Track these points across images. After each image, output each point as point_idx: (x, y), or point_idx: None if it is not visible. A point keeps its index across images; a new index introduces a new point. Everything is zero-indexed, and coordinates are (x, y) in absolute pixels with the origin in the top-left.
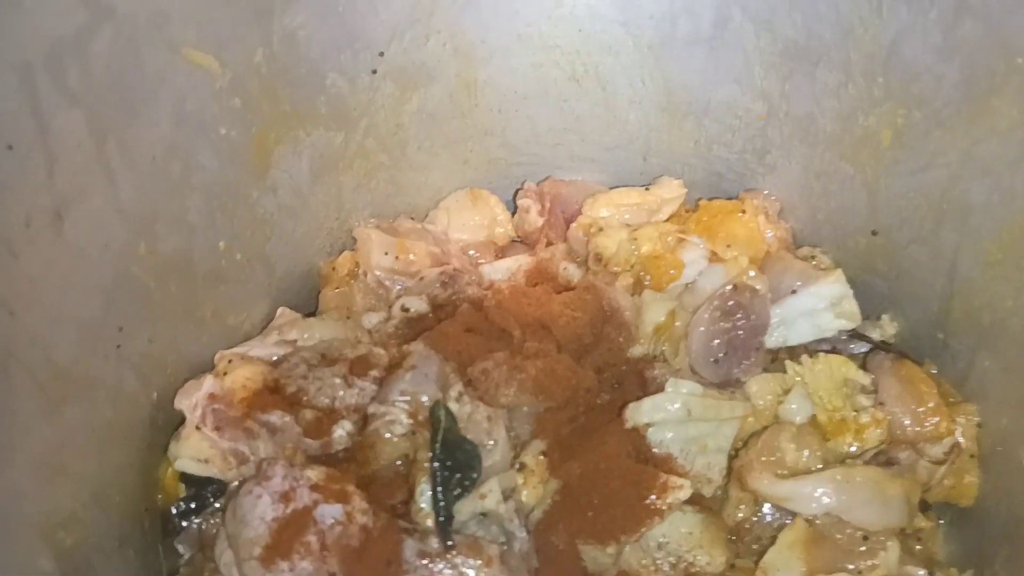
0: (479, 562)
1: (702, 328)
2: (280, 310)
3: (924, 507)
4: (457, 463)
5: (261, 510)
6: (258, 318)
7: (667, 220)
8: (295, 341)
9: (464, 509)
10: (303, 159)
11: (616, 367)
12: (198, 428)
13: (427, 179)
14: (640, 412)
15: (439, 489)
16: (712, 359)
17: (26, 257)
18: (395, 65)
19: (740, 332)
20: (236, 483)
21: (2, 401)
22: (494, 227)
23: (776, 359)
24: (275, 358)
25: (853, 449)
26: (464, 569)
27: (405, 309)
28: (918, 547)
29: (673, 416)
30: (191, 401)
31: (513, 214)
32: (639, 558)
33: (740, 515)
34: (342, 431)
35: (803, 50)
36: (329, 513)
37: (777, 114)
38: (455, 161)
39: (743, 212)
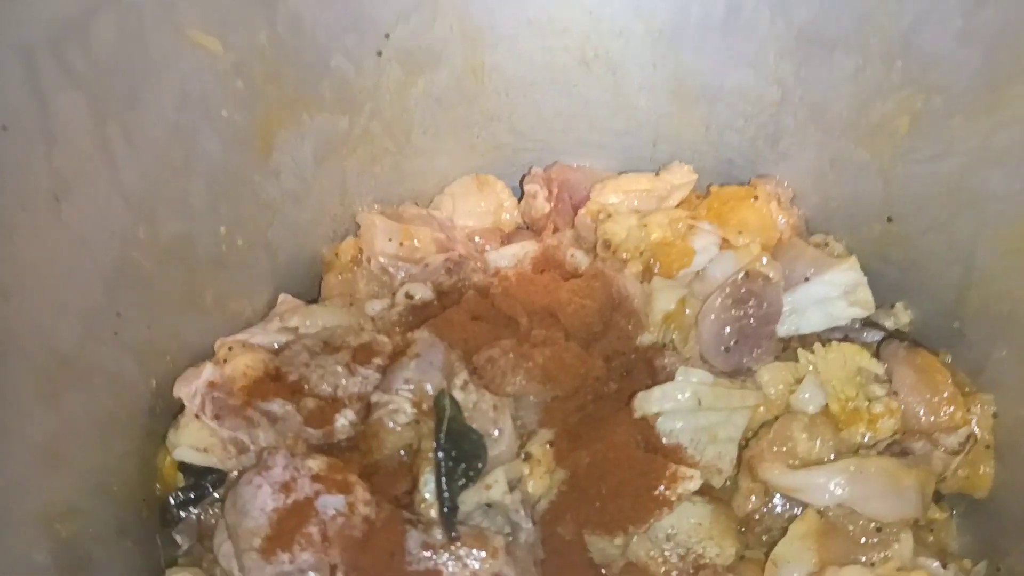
0: (484, 553)
1: (713, 316)
2: (282, 297)
3: (937, 498)
4: (462, 453)
5: (261, 500)
6: (260, 305)
7: (677, 206)
8: (297, 328)
9: (469, 500)
10: (307, 143)
11: (625, 355)
12: (197, 416)
13: (432, 164)
14: (649, 401)
15: (443, 479)
16: (723, 347)
17: (23, 241)
18: (401, 48)
19: (752, 320)
20: (236, 473)
21: None
22: (500, 213)
23: (788, 348)
24: (277, 345)
25: (866, 439)
26: (469, 561)
27: (409, 296)
28: (931, 538)
29: (683, 405)
30: (191, 389)
31: (520, 200)
32: (647, 549)
33: (750, 506)
34: (344, 420)
35: (819, 34)
36: (331, 504)
37: (791, 100)
38: (461, 146)
39: (755, 198)
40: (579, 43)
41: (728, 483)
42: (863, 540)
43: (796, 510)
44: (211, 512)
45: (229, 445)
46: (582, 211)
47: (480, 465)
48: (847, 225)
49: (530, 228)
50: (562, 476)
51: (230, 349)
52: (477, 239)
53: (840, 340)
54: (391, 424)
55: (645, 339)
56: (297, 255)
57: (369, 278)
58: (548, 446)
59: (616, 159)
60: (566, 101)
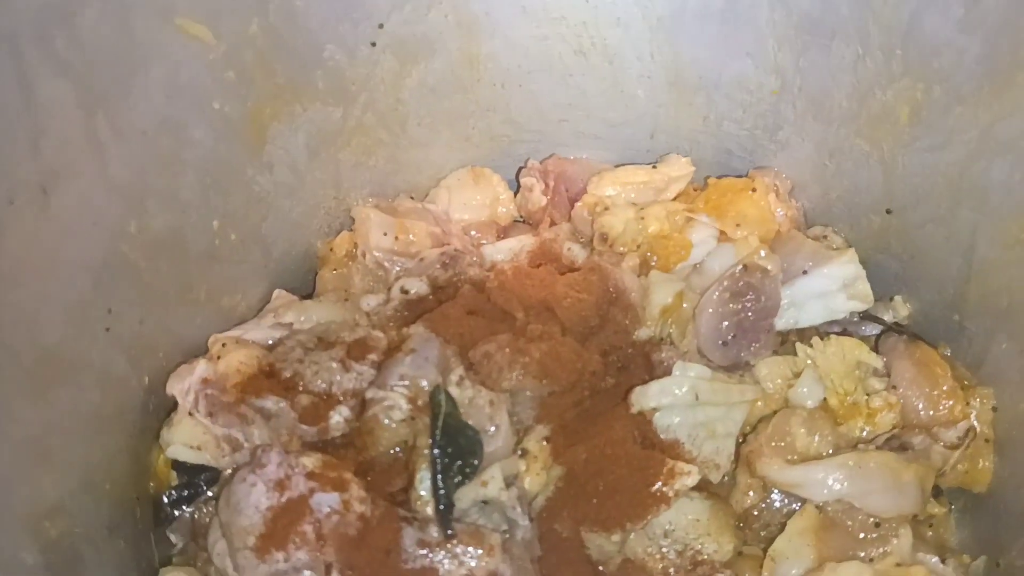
0: (480, 551)
1: (711, 310)
2: (276, 292)
3: (936, 493)
4: (458, 449)
5: (255, 498)
6: (253, 300)
7: (674, 199)
8: (291, 324)
9: (465, 496)
10: (300, 135)
11: (622, 350)
12: (191, 414)
13: (427, 157)
14: (647, 396)
15: (439, 476)
16: (721, 341)
17: (10, 234)
18: (395, 37)
19: (750, 314)
20: (230, 470)
21: None
22: (496, 206)
23: (786, 341)
24: (270, 341)
25: (865, 434)
26: (465, 558)
27: (405, 291)
28: (930, 533)
29: (680, 400)
30: (183, 386)
31: (516, 193)
32: (645, 546)
33: (748, 501)
34: (339, 417)
35: (819, 23)
36: (326, 501)
37: (790, 89)
38: (456, 138)
39: (753, 190)
40: (576, 32)
41: (726, 479)
42: (862, 535)
43: (795, 505)
44: (205, 510)
45: (223, 442)
46: (579, 204)
47: (476, 462)
48: (846, 217)
49: (526, 221)
50: (559, 472)
51: (223, 345)
52: (473, 233)
53: (839, 334)
54: (386, 420)
55: (642, 333)
56: (291, 249)
57: (364, 273)
58: (545, 442)
59: (613, 150)
60: (563, 91)
